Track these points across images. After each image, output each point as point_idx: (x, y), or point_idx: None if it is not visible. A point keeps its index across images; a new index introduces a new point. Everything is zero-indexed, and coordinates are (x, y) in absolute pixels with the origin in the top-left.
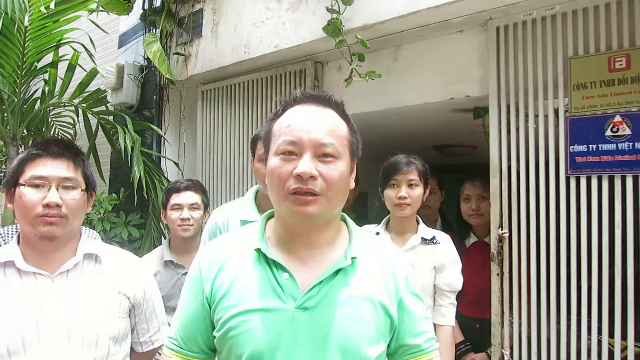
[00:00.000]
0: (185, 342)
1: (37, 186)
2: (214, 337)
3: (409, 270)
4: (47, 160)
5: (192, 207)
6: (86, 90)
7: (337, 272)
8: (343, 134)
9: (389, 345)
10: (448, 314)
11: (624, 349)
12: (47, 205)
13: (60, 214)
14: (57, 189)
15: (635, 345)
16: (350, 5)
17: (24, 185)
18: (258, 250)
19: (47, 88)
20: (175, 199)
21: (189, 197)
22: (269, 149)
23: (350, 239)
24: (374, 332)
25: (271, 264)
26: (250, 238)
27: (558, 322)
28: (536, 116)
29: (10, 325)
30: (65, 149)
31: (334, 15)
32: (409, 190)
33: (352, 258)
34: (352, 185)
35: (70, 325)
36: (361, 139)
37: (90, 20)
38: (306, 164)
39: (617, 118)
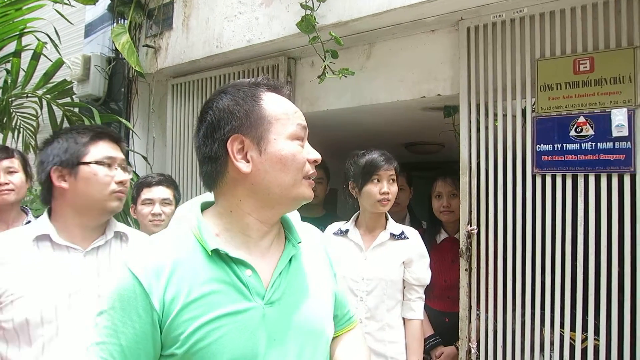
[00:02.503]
0: None
1: (109, 165)
2: (168, 355)
3: (330, 244)
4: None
5: (164, 202)
6: (51, 81)
7: (290, 259)
8: None
9: None
10: (417, 308)
11: (584, 340)
12: (120, 182)
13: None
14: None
15: (594, 339)
16: (324, 2)
17: (91, 163)
18: (216, 250)
19: (9, 78)
20: (146, 193)
21: (161, 192)
22: (261, 130)
23: (289, 223)
24: (329, 311)
25: (230, 262)
26: (189, 238)
27: (523, 316)
28: (504, 116)
29: (45, 296)
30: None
31: (308, 12)
32: (389, 186)
33: (298, 243)
34: None
35: (100, 297)
36: None
37: (55, 10)
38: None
39: (581, 119)
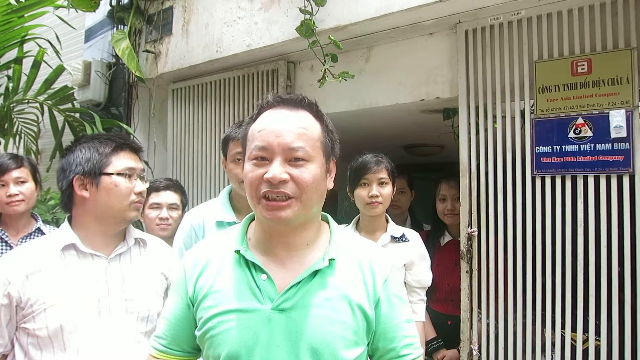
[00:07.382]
0: (172, 342)
1: (129, 176)
2: (195, 336)
3: (389, 271)
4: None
5: (171, 207)
6: (52, 87)
7: (315, 273)
8: (315, 135)
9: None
10: (418, 310)
11: (585, 340)
12: (139, 193)
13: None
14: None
15: (595, 339)
16: (323, 6)
17: (112, 174)
18: (237, 251)
19: (10, 84)
20: (154, 197)
21: (168, 196)
22: (245, 153)
23: (331, 240)
24: (351, 334)
25: (250, 265)
26: (232, 240)
27: (524, 318)
28: (503, 117)
29: (75, 303)
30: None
31: (307, 16)
32: (379, 189)
33: (330, 260)
34: (331, 185)
35: (127, 301)
36: (338, 138)
37: (56, 15)
38: (276, 169)
39: (580, 120)
